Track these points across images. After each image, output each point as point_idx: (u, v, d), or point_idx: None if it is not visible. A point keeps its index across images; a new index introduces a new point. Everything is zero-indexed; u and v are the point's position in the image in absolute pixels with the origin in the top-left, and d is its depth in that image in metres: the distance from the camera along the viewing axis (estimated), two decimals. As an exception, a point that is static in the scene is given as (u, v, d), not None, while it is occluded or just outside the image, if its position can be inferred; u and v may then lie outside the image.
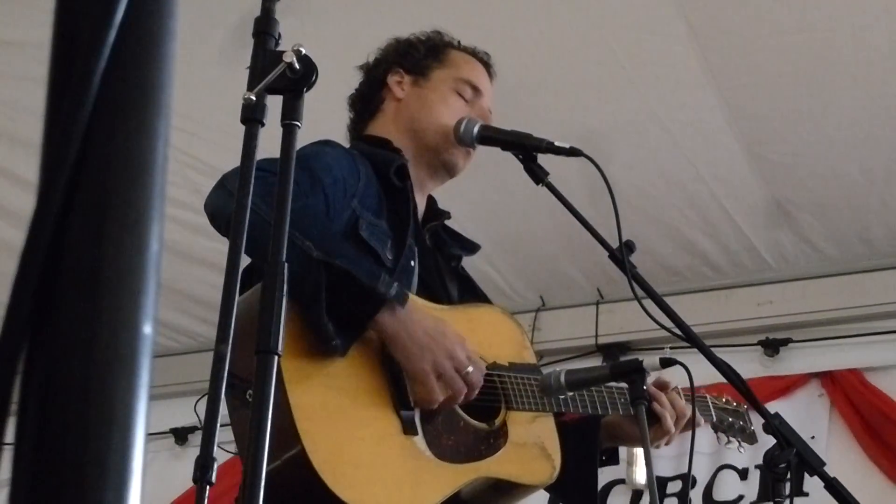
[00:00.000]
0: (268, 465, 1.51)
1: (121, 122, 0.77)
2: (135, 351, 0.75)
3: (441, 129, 2.73)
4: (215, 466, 1.48)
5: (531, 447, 2.60)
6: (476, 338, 2.55)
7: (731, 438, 3.04)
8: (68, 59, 0.77)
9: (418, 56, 2.82)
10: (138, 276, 0.76)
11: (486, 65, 2.90)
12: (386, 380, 2.40)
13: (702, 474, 4.83)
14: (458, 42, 2.90)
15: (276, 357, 1.57)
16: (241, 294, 1.57)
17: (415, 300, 2.45)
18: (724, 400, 3.05)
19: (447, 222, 2.85)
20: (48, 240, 0.74)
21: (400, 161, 2.66)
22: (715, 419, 2.99)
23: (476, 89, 2.80)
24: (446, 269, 2.76)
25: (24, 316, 0.74)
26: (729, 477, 4.80)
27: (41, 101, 0.78)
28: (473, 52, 2.89)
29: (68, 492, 0.73)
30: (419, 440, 2.40)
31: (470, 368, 2.43)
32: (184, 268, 4.92)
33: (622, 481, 4.90)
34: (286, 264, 1.63)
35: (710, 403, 2.99)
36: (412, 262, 2.58)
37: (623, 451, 4.71)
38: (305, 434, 2.22)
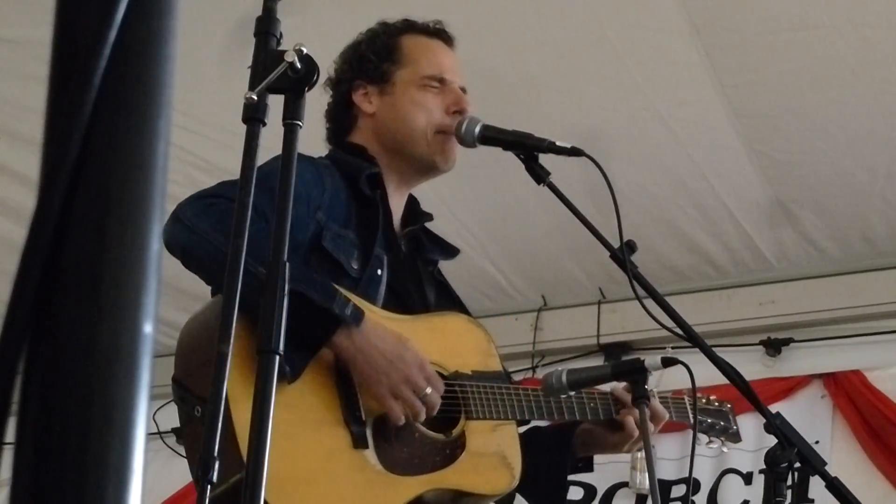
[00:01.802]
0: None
1: (121, 121, 0.77)
2: (136, 350, 0.75)
3: (422, 135, 2.69)
4: (216, 466, 1.48)
5: (490, 456, 2.58)
6: (439, 346, 2.55)
7: (713, 438, 3.03)
8: (69, 57, 0.77)
9: (374, 64, 2.73)
10: (139, 275, 0.76)
11: (441, 35, 2.81)
12: (337, 395, 2.39)
13: (705, 478, 4.81)
14: (405, 23, 2.79)
15: (277, 356, 1.57)
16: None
17: (372, 318, 2.42)
18: (704, 401, 3.03)
19: (428, 225, 2.81)
20: (49, 239, 0.74)
21: (370, 170, 2.63)
22: (692, 422, 2.96)
23: (442, 79, 2.74)
24: (425, 274, 2.73)
25: (25, 315, 0.74)
26: (733, 481, 4.78)
27: (42, 100, 0.77)
28: (425, 31, 2.80)
29: (69, 491, 0.73)
30: (370, 454, 2.39)
31: (428, 390, 2.42)
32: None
33: (626, 484, 4.90)
34: (287, 264, 1.63)
35: (687, 406, 2.94)
36: (379, 272, 2.56)
37: (629, 455, 4.73)
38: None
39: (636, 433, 2.72)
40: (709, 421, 3.01)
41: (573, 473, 2.84)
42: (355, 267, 2.51)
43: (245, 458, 2.14)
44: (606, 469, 4.89)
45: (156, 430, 5.38)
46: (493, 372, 2.67)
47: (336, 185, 2.57)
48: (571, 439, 2.80)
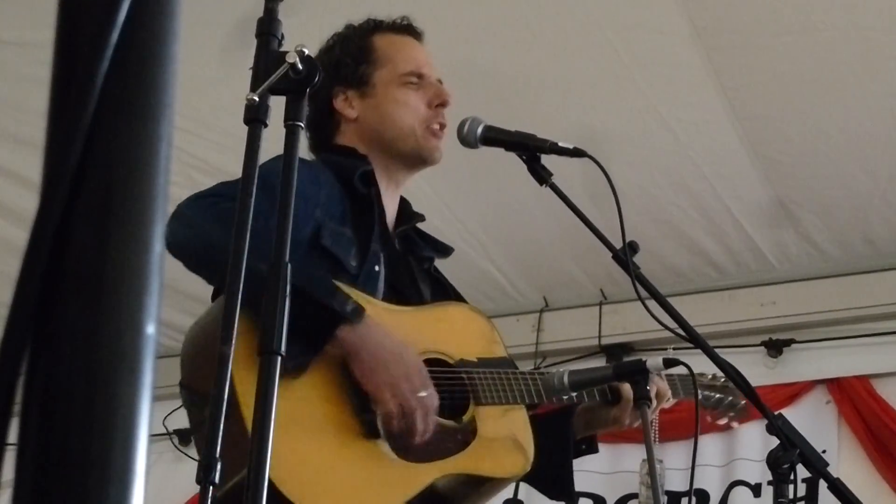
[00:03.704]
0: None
1: (123, 123, 0.77)
2: (138, 352, 0.75)
3: (410, 132, 2.70)
4: (218, 467, 1.48)
5: (503, 440, 2.59)
6: (444, 336, 2.56)
7: (721, 416, 2.99)
8: (71, 59, 0.77)
9: (350, 68, 2.72)
10: (141, 277, 0.76)
11: (410, 30, 2.80)
12: (346, 388, 2.39)
13: (714, 488, 4.79)
14: (372, 22, 2.79)
15: (279, 357, 1.57)
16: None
17: (373, 316, 2.43)
18: (710, 377, 2.98)
19: (429, 224, 2.82)
20: (51, 240, 0.74)
21: (364, 167, 2.65)
22: (700, 397, 2.92)
23: (420, 74, 2.74)
24: (419, 271, 2.74)
25: (27, 316, 0.74)
26: (743, 493, 4.75)
27: (44, 102, 0.77)
28: (394, 29, 2.79)
29: (71, 493, 0.73)
30: (382, 442, 2.40)
31: (423, 393, 2.41)
32: (187, 268, 4.92)
33: (635, 496, 4.89)
34: (289, 265, 1.62)
35: (697, 383, 2.90)
36: (377, 268, 2.58)
37: (638, 465, 4.73)
38: None
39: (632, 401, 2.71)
40: (717, 396, 2.96)
41: (578, 456, 2.82)
42: (353, 264, 2.53)
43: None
44: (616, 479, 4.89)
45: (161, 432, 5.40)
46: (498, 358, 2.69)
47: (331, 183, 2.58)
48: (571, 420, 2.79)
